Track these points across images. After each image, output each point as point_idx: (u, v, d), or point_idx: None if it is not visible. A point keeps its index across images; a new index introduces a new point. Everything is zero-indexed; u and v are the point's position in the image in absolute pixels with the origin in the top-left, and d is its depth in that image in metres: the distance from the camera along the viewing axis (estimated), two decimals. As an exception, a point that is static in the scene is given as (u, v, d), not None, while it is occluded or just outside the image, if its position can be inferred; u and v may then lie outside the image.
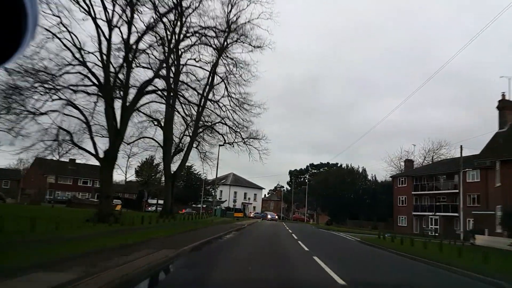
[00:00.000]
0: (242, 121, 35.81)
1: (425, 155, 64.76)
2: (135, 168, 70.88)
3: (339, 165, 65.86)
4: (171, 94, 31.62)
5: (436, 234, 43.51)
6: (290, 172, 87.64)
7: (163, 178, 73.31)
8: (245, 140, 35.94)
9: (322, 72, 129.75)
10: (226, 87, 34.49)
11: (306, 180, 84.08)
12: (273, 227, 35.01)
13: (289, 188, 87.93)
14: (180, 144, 35.98)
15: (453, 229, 45.43)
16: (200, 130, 35.81)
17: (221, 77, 34.65)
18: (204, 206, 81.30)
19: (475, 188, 41.94)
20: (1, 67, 1.55)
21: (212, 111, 35.58)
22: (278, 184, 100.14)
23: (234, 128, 35.97)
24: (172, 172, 34.67)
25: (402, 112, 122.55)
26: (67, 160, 71.80)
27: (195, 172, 79.59)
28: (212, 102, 35.58)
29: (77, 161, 75.58)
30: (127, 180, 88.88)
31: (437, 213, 47.46)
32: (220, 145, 35.13)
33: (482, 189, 41.59)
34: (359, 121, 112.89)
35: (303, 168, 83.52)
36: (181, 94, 30.27)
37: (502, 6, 52.80)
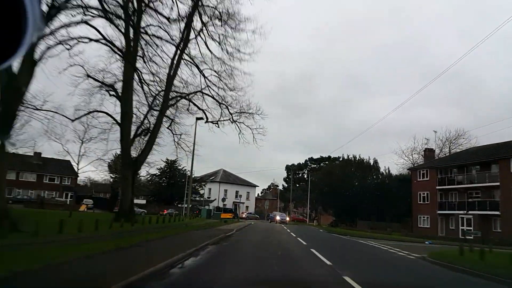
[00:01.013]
0: (230, 89, 26.60)
1: (442, 146, 56.28)
2: (108, 163, 61.02)
3: (345, 157, 56.44)
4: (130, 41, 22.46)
5: (471, 238, 34.89)
6: (287, 167, 78.46)
7: (142, 173, 64.05)
8: (233, 115, 26.76)
9: (317, 70, 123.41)
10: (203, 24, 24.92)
11: (305, 176, 75.30)
12: (273, 233, 25.84)
13: (286, 185, 78.87)
14: (146, 122, 26.66)
15: (491, 231, 36.83)
16: (172, 102, 26.51)
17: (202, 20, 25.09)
18: (188, 206, 71.81)
19: (524, 179, 33.20)
20: (1, 67, 1.34)
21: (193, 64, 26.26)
22: (272, 183, 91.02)
23: (219, 100, 26.76)
24: (133, 159, 25.33)
25: (395, 109, 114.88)
26: (32, 154, 62.23)
27: (179, 167, 70.15)
28: (189, 64, 26.27)
29: (43, 155, 66.45)
30: (103, 177, 79.43)
31: (470, 212, 38.73)
32: (197, 119, 25.53)
33: (536, 180, 33.05)
34: (356, 120, 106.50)
35: (301, 163, 74.48)
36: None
37: (500, 5, 45.02)
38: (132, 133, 25.98)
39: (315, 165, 74.98)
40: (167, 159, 69.64)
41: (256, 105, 26.84)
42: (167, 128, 28.92)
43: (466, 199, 40.22)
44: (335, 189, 50.86)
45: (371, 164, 49.51)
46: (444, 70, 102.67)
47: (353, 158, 50.38)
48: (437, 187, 43.33)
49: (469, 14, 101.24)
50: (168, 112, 27.28)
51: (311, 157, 74.34)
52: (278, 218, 53.73)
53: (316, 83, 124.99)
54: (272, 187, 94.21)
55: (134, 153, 26.29)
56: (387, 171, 50.35)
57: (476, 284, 9.51)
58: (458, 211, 40.13)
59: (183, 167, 70.70)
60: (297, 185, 72.34)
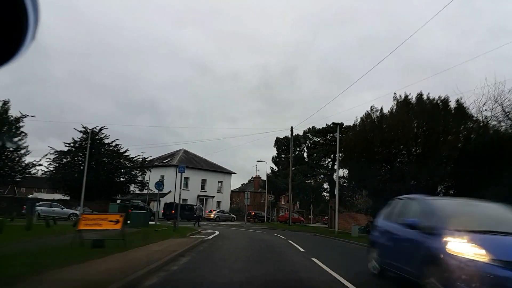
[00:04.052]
0: None
1: (484, 102, 31.97)
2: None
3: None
4: None
5: None
6: (278, 142, 53.46)
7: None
8: None
9: (300, 63, 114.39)
10: None
11: (304, 154, 50.88)
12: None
13: (276, 168, 53.96)
14: None
15: None
16: None
17: None
18: (118, 202, 45.73)
19: None
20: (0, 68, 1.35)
21: None
22: (255, 175, 65.56)
23: None
24: None
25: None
26: None
27: (107, 140, 43.59)
28: None
29: None
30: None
31: None
32: None
33: None
34: (342, 115, 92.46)
35: (299, 134, 49.87)
36: None
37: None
38: None
39: (318, 139, 50.55)
40: (84, 127, 42.88)
41: None
42: None
43: None
44: (380, 160, 26.36)
45: (456, 108, 24.98)
46: (397, 46, 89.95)
47: (416, 98, 25.51)
48: None
49: (457, 8, 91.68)
50: None
51: (313, 127, 49.77)
52: None
53: (298, 77, 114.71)
54: (253, 179, 69.14)
55: None
56: (484, 121, 25.96)
57: None
58: None
59: (113, 141, 44.49)
60: (293, 169, 47.58)
